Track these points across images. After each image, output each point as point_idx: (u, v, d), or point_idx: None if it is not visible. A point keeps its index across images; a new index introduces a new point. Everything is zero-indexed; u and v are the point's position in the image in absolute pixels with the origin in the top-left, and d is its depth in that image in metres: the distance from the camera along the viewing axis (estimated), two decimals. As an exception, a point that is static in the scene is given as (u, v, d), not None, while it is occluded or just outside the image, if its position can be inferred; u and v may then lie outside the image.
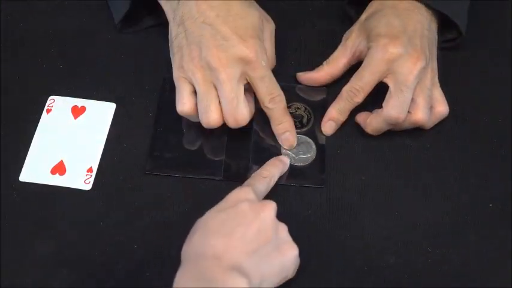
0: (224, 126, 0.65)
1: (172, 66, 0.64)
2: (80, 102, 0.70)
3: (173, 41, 0.64)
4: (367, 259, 0.62)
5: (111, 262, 0.61)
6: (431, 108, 0.67)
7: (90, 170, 0.66)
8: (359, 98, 0.66)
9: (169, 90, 0.70)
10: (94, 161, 0.66)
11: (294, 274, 0.58)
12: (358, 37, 0.69)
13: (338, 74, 0.70)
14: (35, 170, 0.66)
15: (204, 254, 0.53)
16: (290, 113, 0.69)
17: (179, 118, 0.68)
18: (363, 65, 0.66)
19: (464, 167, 0.68)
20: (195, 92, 0.63)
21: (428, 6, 0.68)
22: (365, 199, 0.65)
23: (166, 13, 0.66)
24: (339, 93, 0.68)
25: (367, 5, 0.71)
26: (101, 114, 0.69)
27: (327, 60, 0.70)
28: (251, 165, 0.66)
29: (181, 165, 0.66)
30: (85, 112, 0.69)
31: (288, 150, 0.67)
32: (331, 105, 0.68)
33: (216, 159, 0.67)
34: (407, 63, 0.64)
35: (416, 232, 0.64)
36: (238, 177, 0.65)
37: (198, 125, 0.65)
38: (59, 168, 0.66)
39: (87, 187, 0.65)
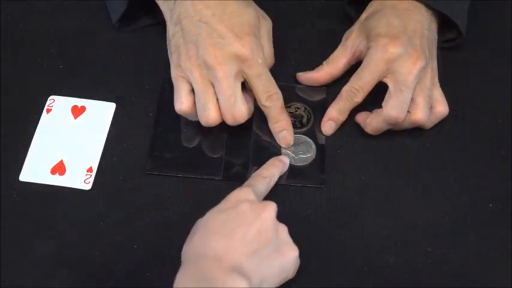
0: (224, 125, 0.65)
1: (170, 66, 0.65)
2: (80, 102, 0.70)
3: (170, 40, 0.65)
4: (367, 259, 0.62)
5: (111, 262, 0.61)
6: (431, 108, 0.67)
7: (90, 169, 0.66)
8: (359, 98, 0.66)
9: (169, 90, 0.69)
10: (94, 160, 0.66)
11: (293, 275, 0.58)
12: (358, 37, 0.69)
13: (338, 74, 0.70)
14: (34, 170, 0.66)
15: (204, 255, 0.53)
16: (290, 112, 0.69)
17: (179, 118, 0.68)
18: (362, 64, 0.66)
19: (464, 167, 0.68)
20: (193, 91, 0.63)
21: (428, 6, 0.68)
22: (365, 199, 0.65)
23: (163, 13, 0.66)
24: (338, 93, 0.68)
25: (367, 5, 0.71)
26: (101, 114, 0.69)
27: (327, 60, 0.70)
28: (251, 165, 0.66)
29: (182, 165, 0.66)
30: (85, 112, 0.69)
31: (288, 150, 0.67)
32: (331, 105, 0.68)
33: (216, 159, 0.67)
34: (407, 63, 0.64)
35: (416, 232, 0.64)
36: (238, 177, 0.65)
37: (198, 124, 0.65)
38: (59, 168, 0.66)
39: (87, 187, 0.65)
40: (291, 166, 0.67)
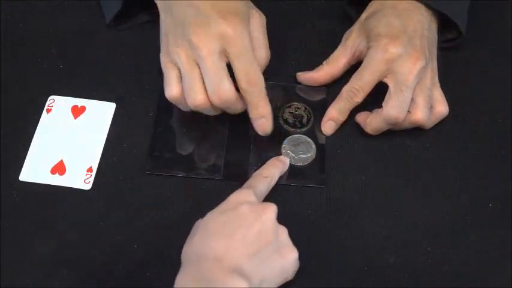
0: (223, 126, 0.65)
1: (160, 54, 0.64)
2: (80, 102, 0.70)
3: (162, 30, 0.64)
4: (367, 259, 0.62)
5: (111, 262, 0.61)
6: (431, 108, 0.67)
7: (90, 169, 0.66)
8: (359, 98, 0.66)
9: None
10: (94, 160, 0.66)
11: (293, 276, 0.59)
12: (358, 37, 0.69)
13: (338, 74, 0.70)
14: (34, 170, 0.66)
15: (205, 256, 0.53)
16: (290, 112, 0.69)
17: (179, 118, 0.68)
18: (362, 64, 0.66)
19: (464, 167, 0.68)
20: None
21: (428, 6, 0.68)
22: (365, 199, 0.65)
23: (157, 4, 0.66)
24: (339, 93, 0.68)
25: (367, 5, 0.71)
26: (101, 114, 0.69)
27: (327, 60, 0.70)
28: (251, 165, 0.66)
29: (182, 165, 0.66)
30: (85, 112, 0.69)
31: (288, 150, 0.67)
32: (331, 105, 0.68)
33: (216, 159, 0.67)
34: (407, 63, 0.64)
35: (416, 232, 0.64)
36: (238, 177, 0.65)
37: (198, 125, 0.65)
38: (59, 168, 0.66)
39: (87, 187, 0.65)
40: (291, 166, 0.67)
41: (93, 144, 0.67)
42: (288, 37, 0.74)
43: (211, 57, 0.60)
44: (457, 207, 0.65)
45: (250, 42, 0.62)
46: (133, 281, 0.61)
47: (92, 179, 0.65)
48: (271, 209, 0.57)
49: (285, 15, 0.76)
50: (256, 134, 0.68)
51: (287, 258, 0.57)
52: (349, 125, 0.69)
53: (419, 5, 0.68)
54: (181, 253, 0.56)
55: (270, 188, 0.63)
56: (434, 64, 0.68)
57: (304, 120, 0.69)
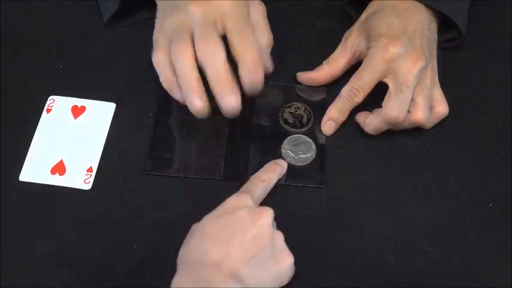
0: (223, 126, 0.65)
1: (153, 38, 0.64)
2: (80, 102, 0.70)
3: (157, 17, 0.64)
4: (367, 259, 0.62)
5: (111, 262, 0.61)
6: (431, 108, 0.67)
7: (90, 169, 0.66)
8: (359, 98, 0.66)
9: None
10: (94, 160, 0.66)
11: (288, 281, 0.58)
12: (358, 37, 0.69)
13: (338, 74, 0.70)
14: (34, 170, 0.66)
15: (202, 260, 0.53)
16: (290, 112, 0.70)
17: (179, 118, 0.68)
18: (362, 64, 0.66)
19: (464, 167, 0.68)
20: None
21: (428, 6, 0.68)
22: (365, 199, 0.65)
23: None
24: (338, 93, 0.68)
25: (367, 5, 0.71)
26: (100, 114, 0.69)
27: (327, 60, 0.70)
28: (251, 165, 0.66)
29: (182, 165, 0.66)
30: (85, 112, 0.69)
31: (288, 150, 0.67)
32: (331, 105, 0.68)
33: (216, 159, 0.67)
34: (407, 63, 0.64)
35: (416, 232, 0.64)
36: (238, 177, 0.65)
37: (198, 125, 0.65)
38: (59, 168, 0.66)
39: (87, 187, 0.65)
40: (291, 166, 0.67)
41: (93, 144, 0.67)
42: (288, 37, 0.74)
43: (205, 24, 0.60)
44: (457, 207, 0.65)
45: (247, 18, 0.62)
46: (133, 281, 0.61)
47: (92, 179, 0.65)
48: (268, 213, 0.57)
49: (285, 15, 0.76)
50: (257, 134, 0.68)
51: (283, 264, 0.57)
52: (349, 125, 0.69)
53: (419, 5, 0.68)
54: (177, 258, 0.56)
55: (268, 191, 0.63)
56: (434, 64, 0.68)
57: (304, 120, 0.69)
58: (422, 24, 0.67)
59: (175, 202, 0.64)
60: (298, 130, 0.69)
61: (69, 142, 0.67)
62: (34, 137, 0.67)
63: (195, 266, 0.54)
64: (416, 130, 0.68)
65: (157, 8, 0.65)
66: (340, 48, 0.70)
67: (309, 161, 0.67)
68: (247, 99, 0.63)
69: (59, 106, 0.69)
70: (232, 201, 0.58)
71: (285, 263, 0.57)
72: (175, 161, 0.66)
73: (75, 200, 0.64)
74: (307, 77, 0.71)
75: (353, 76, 0.66)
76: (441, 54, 0.69)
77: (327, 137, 0.69)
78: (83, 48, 0.73)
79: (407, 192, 0.66)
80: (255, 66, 0.61)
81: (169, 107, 0.68)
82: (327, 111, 0.68)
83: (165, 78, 0.63)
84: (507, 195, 0.66)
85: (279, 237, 0.58)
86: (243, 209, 0.56)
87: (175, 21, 0.61)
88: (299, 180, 0.66)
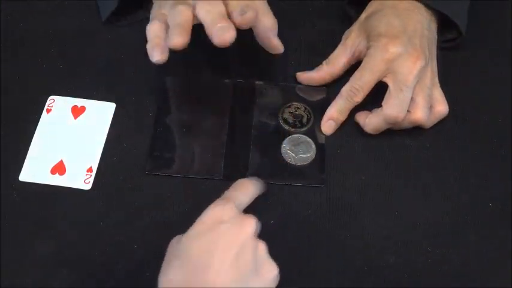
0: (223, 126, 0.65)
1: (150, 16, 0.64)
2: (79, 102, 0.70)
3: (153, 5, 0.65)
4: (367, 259, 0.62)
5: (111, 262, 0.61)
6: (431, 107, 0.67)
7: (90, 169, 0.66)
8: (359, 98, 0.66)
9: (169, 90, 0.70)
10: (94, 160, 0.66)
11: None
12: (358, 37, 0.69)
13: (338, 74, 0.70)
14: (34, 170, 0.66)
15: None
16: (290, 112, 0.70)
17: (179, 118, 0.68)
18: (362, 64, 0.66)
19: (464, 167, 0.68)
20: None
21: (428, 6, 0.68)
22: (365, 199, 0.65)
23: None
24: (338, 93, 0.68)
25: (366, 4, 0.71)
26: (100, 114, 0.69)
27: (327, 60, 0.70)
28: (251, 165, 0.66)
29: (182, 165, 0.66)
30: (85, 112, 0.69)
31: (288, 149, 0.67)
32: (331, 104, 0.68)
33: (216, 159, 0.67)
34: (407, 62, 0.64)
35: (416, 232, 0.64)
36: (238, 177, 0.65)
37: (198, 124, 0.65)
38: (59, 168, 0.66)
39: (87, 187, 0.65)
40: (291, 166, 0.67)
41: (93, 144, 0.67)
42: (288, 37, 0.74)
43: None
44: (457, 207, 0.65)
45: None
46: (133, 281, 0.61)
47: (92, 179, 0.65)
48: (250, 224, 0.54)
49: (285, 15, 0.76)
50: (257, 134, 0.68)
51: (267, 278, 0.54)
52: (349, 124, 0.69)
53: (419, 5, 0.68)
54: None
55: (253, 198, 0.60)
56: (434, 64, 0.68)
57: (304, 120, 0.69)
58: (422, 24, 0.67)
59: (175, 202, 0.64)
60: (298, 130, 0.69)
61: (69, 142, 0.67)
62: (34, 137, 0.67)
63: None
64: (416, 130, 0.68)
65: (153, 3, 0.65)
66: (340, 48, 0.70)
67: (309, 160, 0.67)
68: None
69: (59, 106, 0.69)
70: (214, 213, 0.55)
71: (269, 276, 0.54)
72: (175, 161, 0.66)
73: (75, 200, 0.64)
74: (307, 77, 0.71)
75: (353, 76, 0.66)
76: (441, 54, 0.69)
77: (327, 137, 0.69)
78: (83, 48, 0.73)
79: (407, 192, 0.66)
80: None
81: (169, 107, 0.68)
82: (327, 111, 0.68)
83: (153, 29, 0.62)
84: (507, 195, 0.66)
85: (262, 248, 0.55)
86: (224, 224, 0.54)
87: (173, 2, 0.61)
88: (299, 180, 0.66)
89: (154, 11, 0.64)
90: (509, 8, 0.79)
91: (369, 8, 0.70)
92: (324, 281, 0.61)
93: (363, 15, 0.70)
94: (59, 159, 0.66)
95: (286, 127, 0.69)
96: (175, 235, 0.58)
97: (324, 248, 0.63)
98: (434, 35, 0.69)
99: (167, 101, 0.67)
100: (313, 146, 0.68)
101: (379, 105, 0.65)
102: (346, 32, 0.71)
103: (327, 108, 0.68)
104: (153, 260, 0.61)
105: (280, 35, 0.69)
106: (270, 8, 0.67)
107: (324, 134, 0.69)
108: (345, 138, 0.69)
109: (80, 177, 0.65)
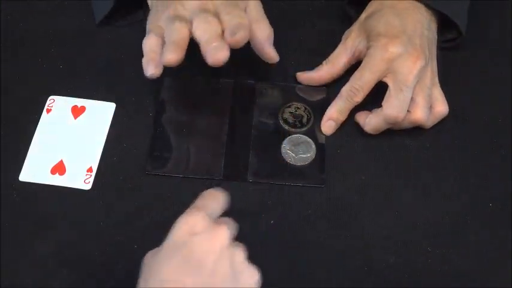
0: (223, 126, 0.65)
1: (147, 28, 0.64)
2: (79, 102, 0.70)
3: (149, 13, 0.65)
4: (367, 259, 0.62)
5: (111, 262, 0.61)
6: (430, 107, 0.67)
7: (90, 169, 0.66)
8: (359, 98, 0.66)
9: (169, 90, 0.70)
10: (94, 161, 0.66)
11: None
12: (358, 37, 0.69)
13: (338, 74, 0.70)
14: (34, 170, 0.66)
15: None
16: (290, 112, 0.70)
17: (179, 118, 0.68)
18: (362, 64, 0.66)
19: (464, 167, 0.68)
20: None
21: (428, 6, 0.68)
22: (365, 199, 0.65)
23: None
24: (338, 93, 0.68)
25: (366, 5, 0.71)
26: (100, 114, 0.69)
27: (327, 60, 0.70)
28: (251, 165, 0.66)
29: (181, 165, 0.66)
30: (85, 112, 0.69)
31: (288, 149, 0.67)
32: (331, 104, 0.68)
33: (216, 159, 0.67)
34: (407, 62, 0.64)
35: (416, 232, 0.64)
36: (238, 177, 0.65)
37: (198, 125, 0.65)
38: (59, 168, 0.66)
39: (87, 187, 0.65)
40: (291, 166, 0.67)
41: (93, 144, 0.67)
42: (288, 37, 0.74)
43: (202, 11, 0.60)
44: (457, 207, 0.65)
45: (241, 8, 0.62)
46: (133, 281, 0.60)
47: (92, 179, 0.65)
48: (224, 233, 0.52)
49: (285, 15, 0.76)
50: (257, 134, 0.68)
51: (248, 284, 0.52)
52: (349, 124, 0.69)
53: (419, 4, 0.68)
54: None
55: (224, 208, 0.57)
56: (434, 64, 0.68)
57: (304, 120, 0.69)
58: (422, 24, 0.67)
59: (175, 202, 0.64)
60: (298, 130, 0.69)
61: (69, 142, 0.67)
62: (34, 137, 0.67)
63: None
64: (416, 130, 0.68)
65: (149, 7, 0.65)
66: (339, 48, 0.70)
67: (309, 160, 0.67)
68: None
69: (59, 106, 0.69)
70: (187, 223, 0.53)
71: (250, 282, 0.52)
72: (175, 161, 0.66)
73: (75, 200, 0.64)
74: (307, 77, 0.71)
75: (353, 76, 0.66)
76: (441, 54, 0.69)
77: (327, 137, 0.69)
78: (83, 48, 0.73)
79: (407, 192, 0.66)
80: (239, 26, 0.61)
81: (169, 107, 0.68)
82: (327, 111, 0.68)
83: (150, 44, 0.63)
84: (507, 195, 0.66)
85: (239, 255, 0.52)
86: (197, 236, 0.51)
87: (170, 13, 0.62)
88: (299, 180, 0.66)
89: (151, 23, 0.64)
90: (509, 8, 0.79)
91: (369, 8, 0.70)
92: (324, 281, 0.61)
93: (363, 15, 0.70)
94: (59, 159, 0.66)
95: (286, 127, 0.69)
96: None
97: (324, 248, 0.63)
98: (434, 35, 0.69)
99: (167, 101, 0.67)
100: (313, 146, 0.68)
101: (379, 105, 0.65)
102: (346, 32, 0.71)
103: (327, 108, 0.68)
104: (153, 260, 0.61)
105: (280, 35, 0.69)
106: (270, 8, 0.67)
107: (324, 134, 0.69)
108: (345, 138, 0.69)
109: (80, 177, 0.65)
